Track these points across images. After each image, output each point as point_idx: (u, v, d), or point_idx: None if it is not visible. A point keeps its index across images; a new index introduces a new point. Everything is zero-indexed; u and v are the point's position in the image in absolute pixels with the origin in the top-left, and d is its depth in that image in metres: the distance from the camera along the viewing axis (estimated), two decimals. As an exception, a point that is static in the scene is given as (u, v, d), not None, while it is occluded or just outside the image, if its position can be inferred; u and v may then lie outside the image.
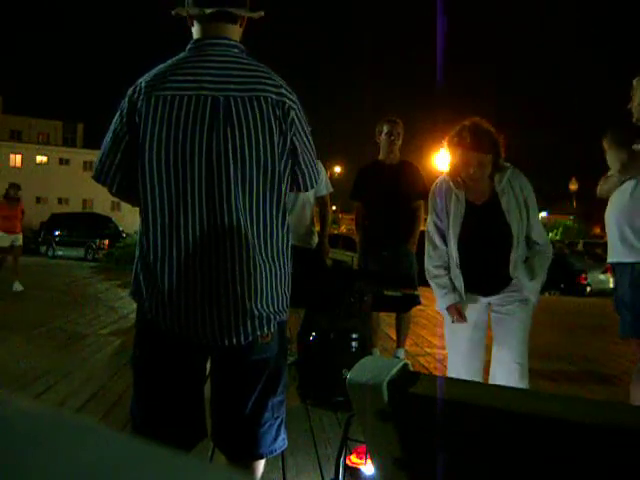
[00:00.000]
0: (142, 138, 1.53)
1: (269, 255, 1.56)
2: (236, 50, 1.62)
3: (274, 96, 1.56)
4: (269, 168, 1.54)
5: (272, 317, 1.58)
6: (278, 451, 1.69)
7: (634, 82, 2.87)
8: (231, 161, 1.51)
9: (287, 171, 1.60)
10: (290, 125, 1.58)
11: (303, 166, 1.63)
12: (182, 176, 1.51)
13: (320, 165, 4.02)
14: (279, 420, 1.66)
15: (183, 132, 1.51)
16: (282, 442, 1.69)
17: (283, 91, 1.59)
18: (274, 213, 1.57)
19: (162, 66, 1.60)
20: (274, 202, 1.57)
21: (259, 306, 1.55)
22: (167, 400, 1.62)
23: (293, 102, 1.60)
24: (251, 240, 1.53)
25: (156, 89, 1.54)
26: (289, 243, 1.64)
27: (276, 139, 1.55)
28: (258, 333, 1.56)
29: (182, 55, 1.62)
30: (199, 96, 1.53)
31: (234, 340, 1.54)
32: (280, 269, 1.60)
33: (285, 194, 1.60)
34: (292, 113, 1.58)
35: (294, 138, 1.59)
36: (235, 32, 1.65)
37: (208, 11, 1.59)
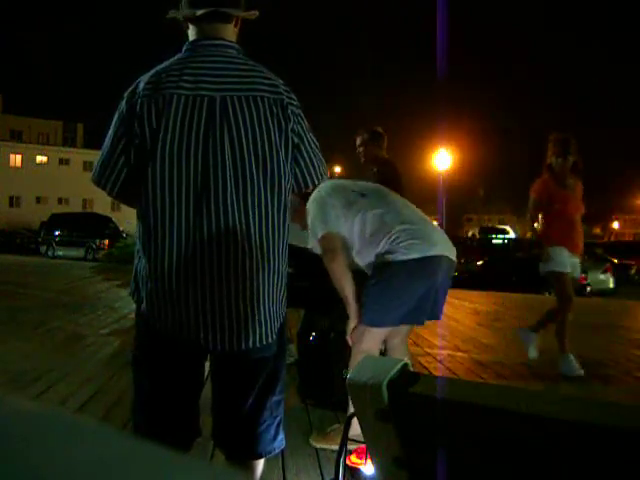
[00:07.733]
0: (141, 140, 1.52)
1: (269, 255, 1.55)
2: (233, 51, 1.62)
3: (270, 95, 1.57)
4: (268, 165, 1.55)
5: (271, 321, 1.57)
6: (277, 450, 1.69)
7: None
8: (227, 160, 1.51)
9: (288, 169, 1.60)
10: (289, 121, 1.58)
11: (302, 163, 1.64)
12: (178, 177, 1.50)
13: None
14: (277, 419, 1.66)
15: (180, 133, 1.51)
16: (280, 442, 1.69)
17: (280, 90, 1.60)
18: (275, 211, 1.56)
19: (159, 67, 1.60)
20: (275, 200, 1.56)
21: (258, 310, 1.54)
22: (164, 400, 1.62)
23: (291, 99, 1.62)
24: (249, 240, 1.52)
25: (153, 90, 1.53)
26: (287, 242, 1.64)
27: (275, 137, 1.56)
28: (257, 339, 1.54)
29: (179, 56, 1.62)
30: (196, 96, 1.53)
31: (235, 346, 1.53)
32: (278, 270, 1.59)
33: (286, 191, 1.60)
34: (290, 110, 1.59)
35: (293, 135, 1.60)
36: (230, 32, 1.65)
37: (200, 12, 1.58)
